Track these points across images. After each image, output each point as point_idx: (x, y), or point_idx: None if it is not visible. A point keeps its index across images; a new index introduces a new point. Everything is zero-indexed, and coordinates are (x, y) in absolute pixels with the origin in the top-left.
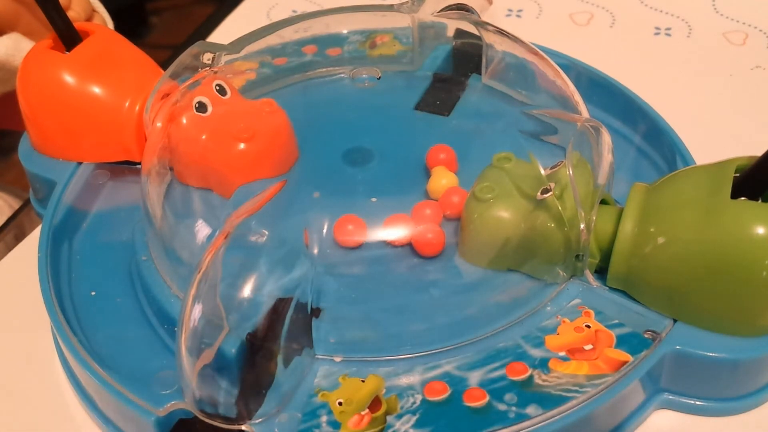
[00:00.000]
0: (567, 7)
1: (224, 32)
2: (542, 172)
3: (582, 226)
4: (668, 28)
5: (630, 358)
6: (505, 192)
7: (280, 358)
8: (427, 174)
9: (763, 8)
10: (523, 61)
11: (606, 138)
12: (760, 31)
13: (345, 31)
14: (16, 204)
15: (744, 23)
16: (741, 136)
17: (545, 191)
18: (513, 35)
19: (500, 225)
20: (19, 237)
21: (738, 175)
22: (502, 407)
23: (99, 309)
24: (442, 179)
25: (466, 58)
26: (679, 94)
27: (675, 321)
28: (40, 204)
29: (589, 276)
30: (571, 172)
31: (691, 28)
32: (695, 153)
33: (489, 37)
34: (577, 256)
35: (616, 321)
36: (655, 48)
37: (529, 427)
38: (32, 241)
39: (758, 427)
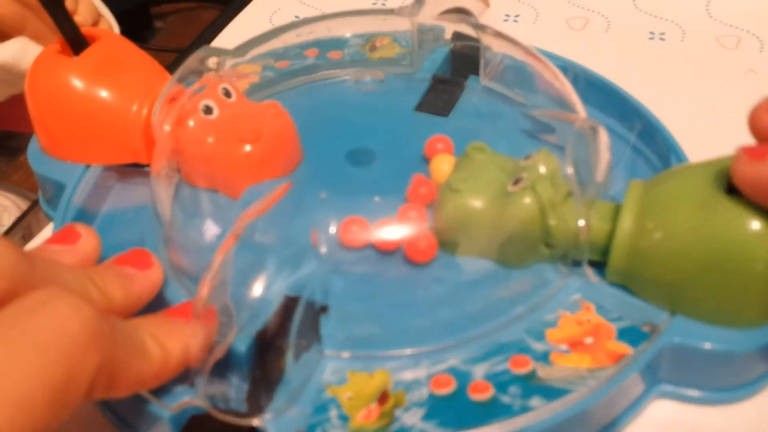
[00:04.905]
0: (563, 12)
1: (228, 36)
2: (515, 163)
3: (553, 220)
4: (662, 33)
5: (630, 350)
6: (479, 182)
7: (289, 355)
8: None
9: (756, 13)
10: (520, 62)
11: (603, 137)
12: (753, 35)
13: (346, 35)
14: (24, 204)
15: (737, 28)
16: (734, 137)
17: (517, 182)
18: (510, 37)
19: (472, 215)
20: (27, 238)
21: None
22: (506, 400)
23: None
24: (443, 165)
25: (465, 60)
26: (673, 98)
27: (673, 314)
28: (49, 205)
29: (588, 271)
30: (543, 170)
31: (684, 32)
32: (690, 154)
33: (487, 40)
34: (548, 245)
35: (616, 314)
36: (649, 52)
37: (533, 419)
38: (40, 241)
39: (754, 415)
